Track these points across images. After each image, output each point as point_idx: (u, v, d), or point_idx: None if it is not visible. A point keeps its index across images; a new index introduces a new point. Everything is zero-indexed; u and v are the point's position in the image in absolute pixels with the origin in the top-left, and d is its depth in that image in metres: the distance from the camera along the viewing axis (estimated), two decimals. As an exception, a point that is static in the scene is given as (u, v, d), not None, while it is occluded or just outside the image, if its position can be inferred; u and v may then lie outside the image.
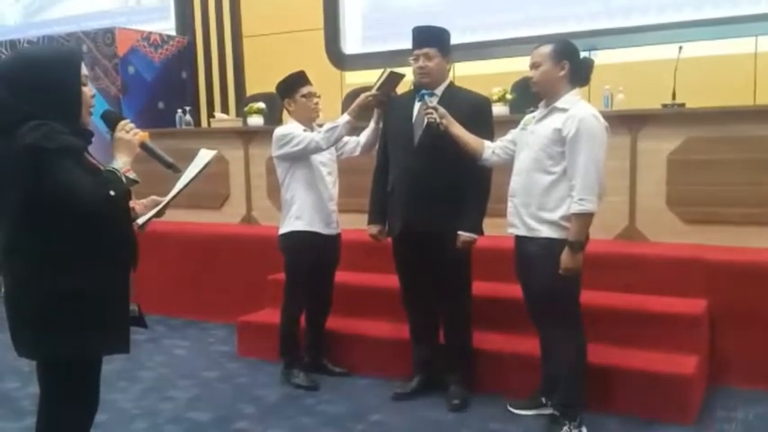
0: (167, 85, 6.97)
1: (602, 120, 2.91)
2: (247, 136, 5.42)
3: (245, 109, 5.60)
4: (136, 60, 6.69)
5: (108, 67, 6.56)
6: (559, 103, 2.93)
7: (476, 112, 3.29)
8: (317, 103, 3.73)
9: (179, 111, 6.01)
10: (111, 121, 2.08)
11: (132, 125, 2.07)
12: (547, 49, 2.97)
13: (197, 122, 6.73)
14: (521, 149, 3.05)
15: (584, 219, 2.87)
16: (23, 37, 7.27)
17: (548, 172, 2.92)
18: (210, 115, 6.88)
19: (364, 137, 3.74)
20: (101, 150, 2.09)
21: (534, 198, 2.95)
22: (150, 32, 6.96)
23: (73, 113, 1.94)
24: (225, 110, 7.24)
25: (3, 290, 2.00)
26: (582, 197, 2.83)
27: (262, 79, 6.54)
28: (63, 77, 1.93)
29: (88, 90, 2.01)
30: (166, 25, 7.61)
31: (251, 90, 6.84)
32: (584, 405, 3.06)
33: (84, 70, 2.00)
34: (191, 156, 2.28)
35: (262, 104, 5.53)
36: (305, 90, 3.68)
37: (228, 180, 5.46)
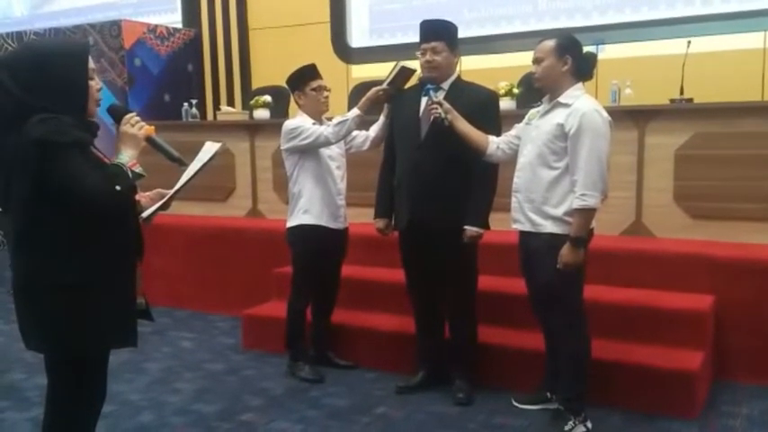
0: (173, 78, 6.97)
1: (604, 114, 2.89)
2: (253, 129, 5.42)
3: (252, 102, 5.60)
4: (142, 53, 6.68)
5: (114, 60, 6.56)
6: (562, 98, 2.92)
7: (482, 107, 3.28)
8: (326, 97, 3.72)
9: (185, 104, 6.00)
10: (118, 114, 2.08)
11: (138, 119, 2.06)
12: (549, 44, 2.95)
13: (203, 115, 6.74)
14: (525, 144, 3.04)
15: (586, 214, 2.86)
16: (30, 29, 7.28)
17: (551, 167, 2.91)
18: (216, 108, 6.88)
19: (374, 131, 3.73)
20: (103, 143, 2.09)
21: (538, 193, 2.94)
22: (157, 25, 6.96)
23: (79, 106, 1.94)
24: (231, 103, 7.23)
25: (12, 283, 2.00)
26: (583, 192, 2.82)
27: (268, 72, 6.56)
28: (69, 70, 1.92)
29: (95, 83, 2.00)
30: (173, 18, 7.61)
31: (257, 83, 6.83)
32: (588, 399, 3.06)
33: (92, 64, 1.99)
34: (196, 149, 2.28)
35: (268, 98, 5.52)
36: (315, 84, 3.68)
37: (234, 173, 5.47)
